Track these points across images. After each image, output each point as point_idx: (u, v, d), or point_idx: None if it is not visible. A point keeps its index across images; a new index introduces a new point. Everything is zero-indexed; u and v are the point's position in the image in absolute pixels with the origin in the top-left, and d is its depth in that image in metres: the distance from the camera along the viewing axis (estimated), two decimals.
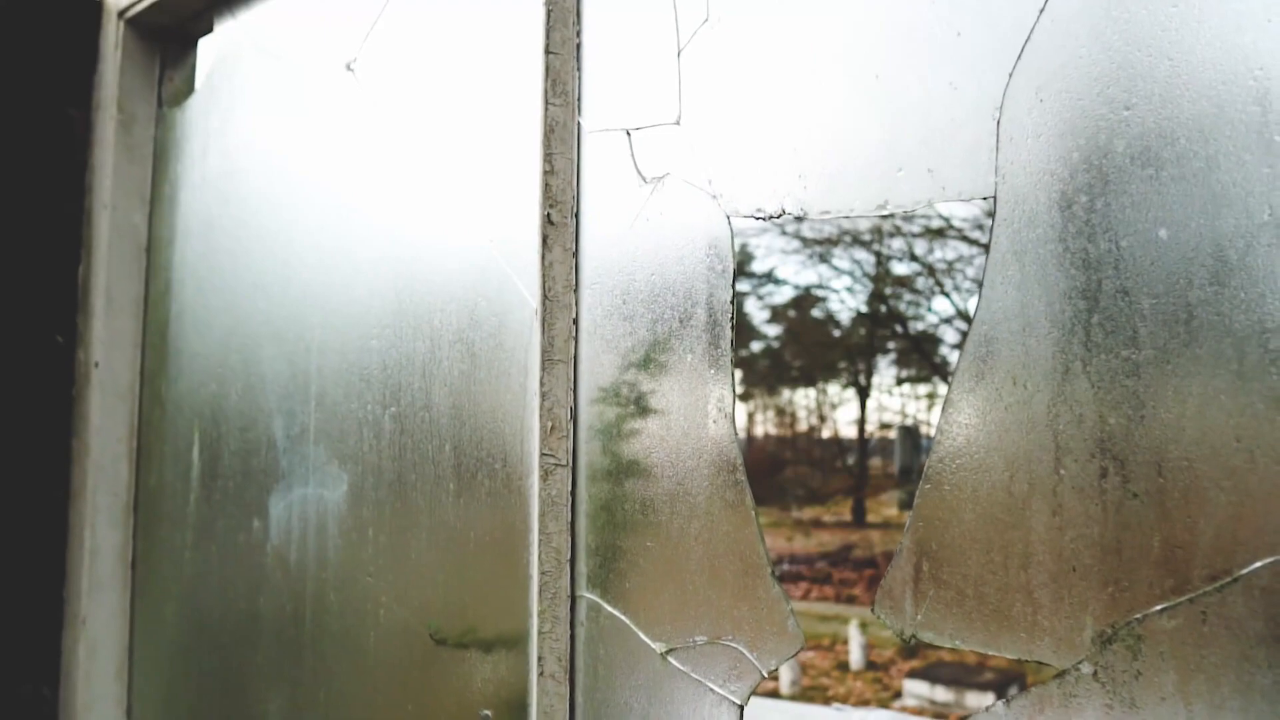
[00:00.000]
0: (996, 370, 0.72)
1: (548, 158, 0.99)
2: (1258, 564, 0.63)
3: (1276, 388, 0.63)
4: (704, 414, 0.87)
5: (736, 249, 0.87)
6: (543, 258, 0.98)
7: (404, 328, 1.15)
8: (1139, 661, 0.66)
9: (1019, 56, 0.73)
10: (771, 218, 0.84)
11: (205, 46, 1.59)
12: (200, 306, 1.48)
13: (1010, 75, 0.73)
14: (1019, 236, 0.72)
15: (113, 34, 1.59)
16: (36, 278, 1.54)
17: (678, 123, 0.92)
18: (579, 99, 1.00)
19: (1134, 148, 0.68)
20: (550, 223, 0.98)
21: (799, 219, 0.82)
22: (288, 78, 1.39)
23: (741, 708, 0.84)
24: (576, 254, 0.98)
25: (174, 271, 1.54)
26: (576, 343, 0.97)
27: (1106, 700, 0.67)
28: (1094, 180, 0.70)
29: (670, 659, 0.88)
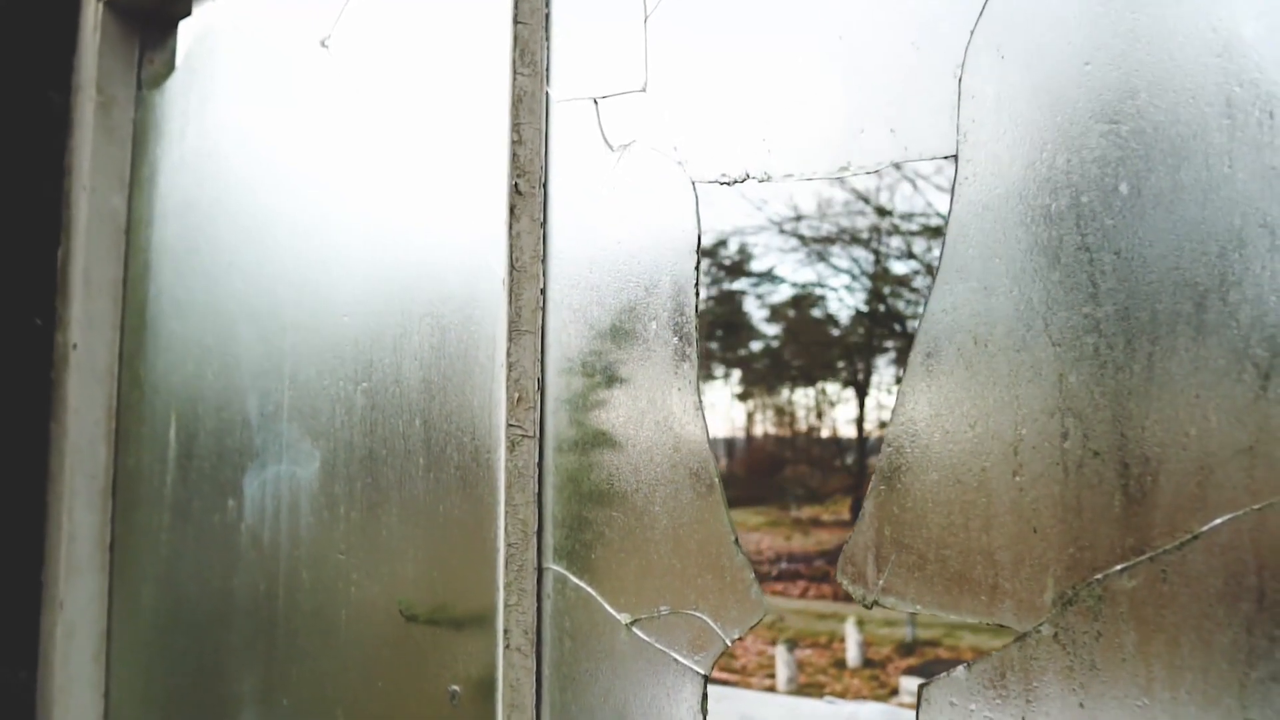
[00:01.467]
0: (958, 330, 0.71)
1: (516, 127, 0.98)
2: (1218, 520, 0.62)
3: (1236, 343, 0.62)
4: (668, 382, 0.86)
5: (701, 215, 0.86)
6: (510, 228, 0.97)
7: (375, 303, 1.14)
8: (1099, 622, 0.65)
9: (980, 14, 0.72)
10: (735, 182, 0.83)
11: (185, 28, 1.58)
12: (178, 287, 1.47)
13: (972, 33, 0.72)
14: (980, 194, 0.71)
15: (92, 16, 1.59)
16: (15, 261, 1.54)
17: (644, 90, 0.91)
18: (547, 69, 0.99)
19: (1095, 103, 0.67)
20: (518, 193, 0.97)
21: (762, 182, 0.82)
22: (264, 57, 1.38)
23: (706, 677, 0.83)
24: (544, 224, 0.97)
25: (152, 253, 1.53)
26: (544, 313, 0.96)
27: (1067, 662, 0.66)
28: (1055, 136, 0.69)
29: (635, 630, 0.87)
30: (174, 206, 1.50)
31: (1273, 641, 0.60)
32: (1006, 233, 0.70)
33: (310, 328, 1.23)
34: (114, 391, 1.56)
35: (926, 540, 0.72)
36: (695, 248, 0.86)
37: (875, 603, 0.74)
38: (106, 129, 1.58)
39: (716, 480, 0.83)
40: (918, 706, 0.72)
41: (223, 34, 1.48)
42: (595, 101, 0.95)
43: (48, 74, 1.59)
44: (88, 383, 1.54)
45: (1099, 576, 0.65)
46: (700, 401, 0.84)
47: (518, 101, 0.98)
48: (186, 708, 1.39)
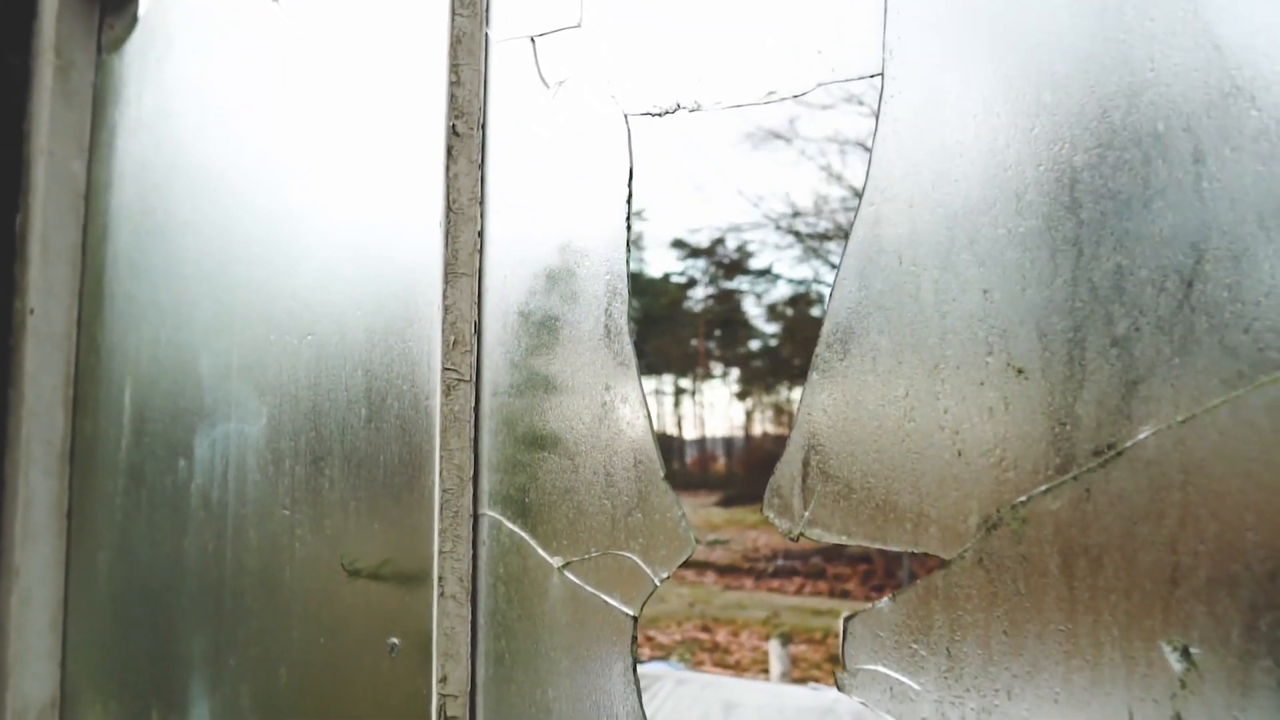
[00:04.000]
0: (884, 250, 0.69)
1: (454, 68, 0.96)
2: (1142, 434, 0.60)
3: (1162, 251, 0.60)
4: (600, 316, 0.84)
5: (633, 148, 0.84)
6: (447, 169, 0.95)
7: (322, 252, 1.12)
8: (1023, 546, 0.63)
9: None
10: (666, 113, 0.82)
11: None
12: (134, 249, 1.45)
13: None
14: (906, 110, 0.69)
15: None
16: None
17: (579, 26, 0.89)
18: (487, 9, 0.97)
19: (1020, 14, 0.65)
20: (455, 134, 0.95)
21: (693, 112, 0.80)
22: (218, 15, 1.36)
23: (635, 619, 0.81)
24: (482, 166, 0.95)
25: (110, 217, 1.51)
26: (481, 255, 0.94)
27: (991, 589, 0.64)
28: (979, 50, 0.67)
29: (567, 573, 0.85)
30: (132, 169, 1.49)
31: (1196, 558, 0.58)
32: (930, 148, 0.68)
33: (259, 282, 1.21)
34: (72, 357, 1.54)
35: (852, 468, 0.70)
36: (627, 180, 0.84)
37: (801, 535, 0.72)
38: (65, 93, 1.56)
39: (646, 416, 0.81)
40: (843, 640, 0.70)
41: None
42: (532, 40, 0.93)
43: (6, 38, 1.58)
44: (45, 348, 1.52)
45: (1023, 499, 0.63)
46: (630, 335, 0.83)
47: (456, 43, 0.96)
48: (141, 674, 1.38)
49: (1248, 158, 0.57)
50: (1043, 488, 0.63)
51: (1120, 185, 0.61)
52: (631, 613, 0.81)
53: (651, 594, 0.80)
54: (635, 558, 0.80)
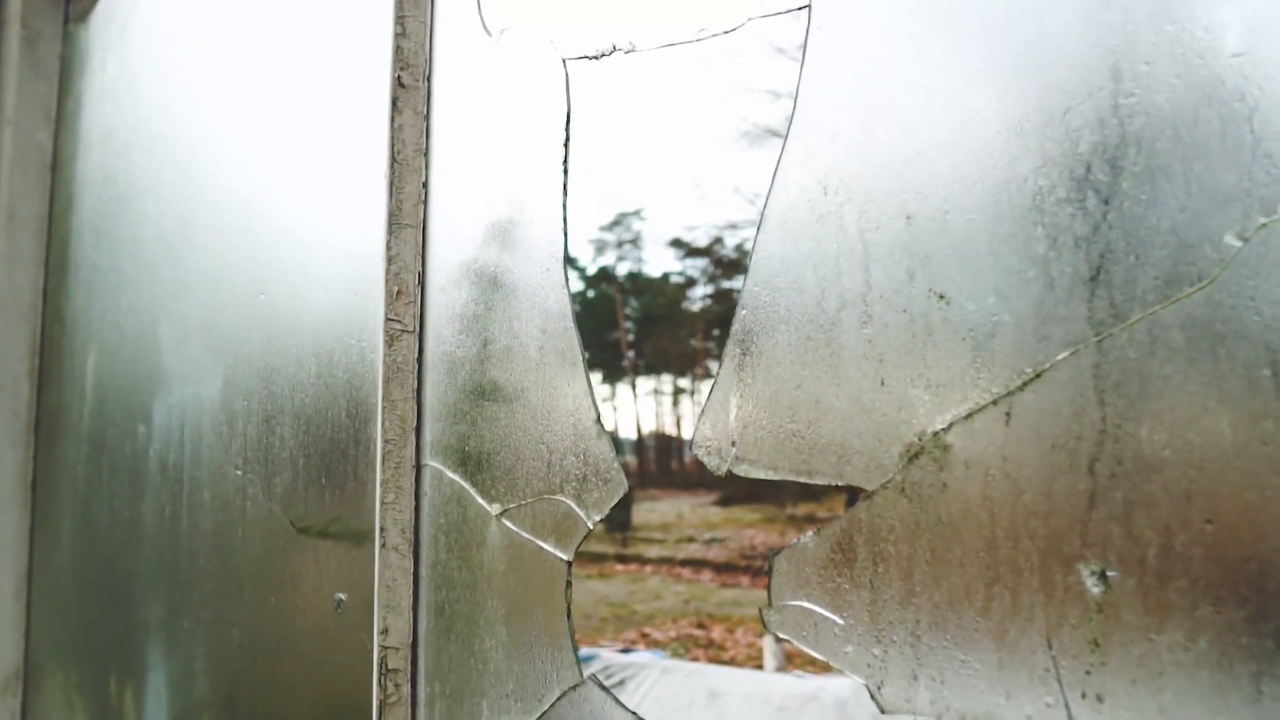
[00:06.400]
0: (808, 181, 0.69)
1: (399, 20, 0.95)
2: (1060, 355, 0.59)
3: (1077, 171, 0.59)
4: (537, 261, 0.84)
5: (571, 93, 0.83)
6: (392, 121, 0.94)
7: (275, 209, 1.12)
8: (945, 473, 0.63)
9: None
10: (602, 56, 0.81)
11: None
12: (98, 218, 1.45)
13: None
14: (836, 45, 0.69)
15: None
16: None
17: None
18: None
19: None
20: (401, 85, 0.95)
21: (628, 54, 0.79)
22: None
23: (569, 563, 0.80)
24: (428, 117, 0.95)
25: (76, 186, 1.51)
26: (426, 206, 0.94)
27: (915, 518, 0.64)
28: None
29: (505, 520, 0.84)
30: (97, 138, 1.48)
31: (1114, 480, 0.57)
32: (855, 78, 0.67)
33: (215, 247, 1.21)
34: (38, 328, 1.54)
35: (778, 402, 0.69)
36: (564, 125, 0.83)
37: (729, 473, 0.71)
38: (32, 64, 1.56)
39: (581, 359, 0.80)
40: (769, 576, 0.69)
41: None
42: None
43: None
44: (11, 320, 1.52)
45: (944, 426, 0.63)
46: (566, 279, 0.82)
47: None
48: (101, 642, 1.37)
49: (1163, 72, 0.56)
50: (964, 413, 0.62)
51: (1038, 106, 0.60)
52: (566, 557, 0.80)
53: (585, 537, 0.79)
54: (569, 501, 0.80)
